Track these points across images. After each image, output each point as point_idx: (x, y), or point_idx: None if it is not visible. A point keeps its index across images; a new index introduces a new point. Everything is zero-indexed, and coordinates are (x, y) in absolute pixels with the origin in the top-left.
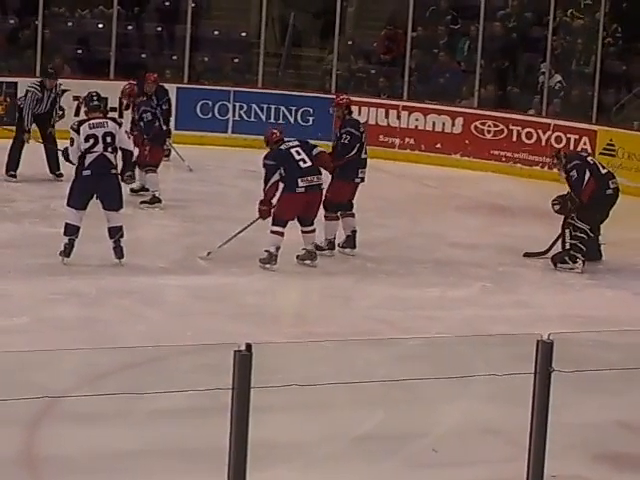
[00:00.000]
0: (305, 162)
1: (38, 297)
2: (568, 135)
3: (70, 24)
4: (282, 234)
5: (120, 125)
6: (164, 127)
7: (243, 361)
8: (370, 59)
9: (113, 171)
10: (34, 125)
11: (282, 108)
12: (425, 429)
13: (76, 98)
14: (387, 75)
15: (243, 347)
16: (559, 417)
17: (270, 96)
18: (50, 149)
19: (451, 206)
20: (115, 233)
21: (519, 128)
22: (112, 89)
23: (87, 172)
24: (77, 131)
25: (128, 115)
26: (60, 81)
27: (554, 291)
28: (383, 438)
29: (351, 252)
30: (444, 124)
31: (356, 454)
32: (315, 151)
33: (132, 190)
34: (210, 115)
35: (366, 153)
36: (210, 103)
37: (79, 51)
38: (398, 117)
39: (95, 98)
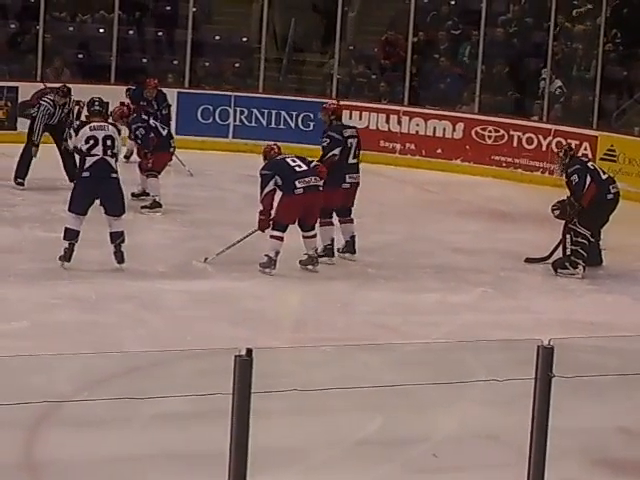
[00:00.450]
0: (301, 167)
1: (38, 302)
2: (569, 140)
3: (71, 29)
4: (282, 239)
5: (120, 132)
6: (163, 132)
7: (243, 366)
8: (371, 64)
9: (114, 175)
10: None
11: (283, 113)
12: (425, 434)
13: (77, 102)
14: (388, 80)
15: (243, 352)
16: (559, 422)
17: (271, 101)
18: (67, 159)
19: (452, 211)
20: (116, 238)
21: (520, 134)
22: (113, 94)
23: (86, 174)
24: (77, 132)
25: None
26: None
27: (555, 297)
28: (383, 443)
29: (351, 257)
30: (445, 129)
31: (356, 459)
32: (312, 165)
33: (133, 195)
34: (211, 120)
35: (355, 158)
36: (211, 108)
37: (80, 56)
38: (399, 122)
39: (97, 103)
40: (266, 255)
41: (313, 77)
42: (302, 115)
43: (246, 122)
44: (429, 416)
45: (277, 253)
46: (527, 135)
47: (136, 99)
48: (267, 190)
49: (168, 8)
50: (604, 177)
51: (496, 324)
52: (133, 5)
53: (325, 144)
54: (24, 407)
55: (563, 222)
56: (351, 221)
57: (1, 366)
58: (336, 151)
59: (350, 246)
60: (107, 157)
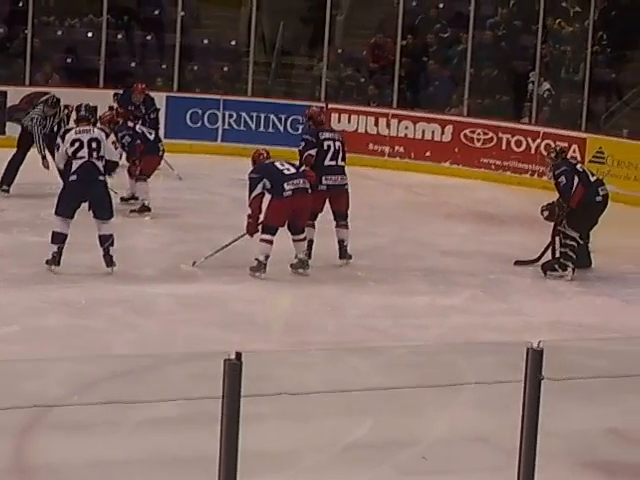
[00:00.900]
0: (289, 170)
1: (28, 306)
2: (558, 143)
3: (59, 33)
4: (271, 242)
5: (107, 135)
6: (150, 137)
7: (233, 369)
8: (360, 67)
9: (101, 178)
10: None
11: (272, 116)
12: (415, 437)
13: (66, 107)
14: (376, 83)
15: (233, 356)
16: (549, 425)
17: (260, 105)
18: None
19: (441, 214)
20: (105, 241)
21: (508, 136)
22: (101, 98)
23: (73, 177)
24: (63, 138)
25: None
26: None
27: (544, 299)
28: (373, 446)
29: (342, 263)
30: (434, 132)
31: (346, 462)
32: (300, 169)
33: (122, 199)
34: (200, 124)
35: (334, 160)
36: (200, 112)
37: (68, 60)
38: (387, 125)
39: (83, 109)
40: (256, 259)
41: (302, 81)
42: (291, 119)
43: (235, 126)
44: (419, 419)
45: (267, 257)
46: (516, 137)
47: (124, 103)
48: (255, 193)
49: (156, 12)
50: (592, 179)
51: (486, 327)
52: (121, 9)
53: (300, 147)
54: (14, 411)
55: (552, 224)
56: (345, 227)
57: None
58: (312, 152)
59: (340, 251)
60: (93, 160)
